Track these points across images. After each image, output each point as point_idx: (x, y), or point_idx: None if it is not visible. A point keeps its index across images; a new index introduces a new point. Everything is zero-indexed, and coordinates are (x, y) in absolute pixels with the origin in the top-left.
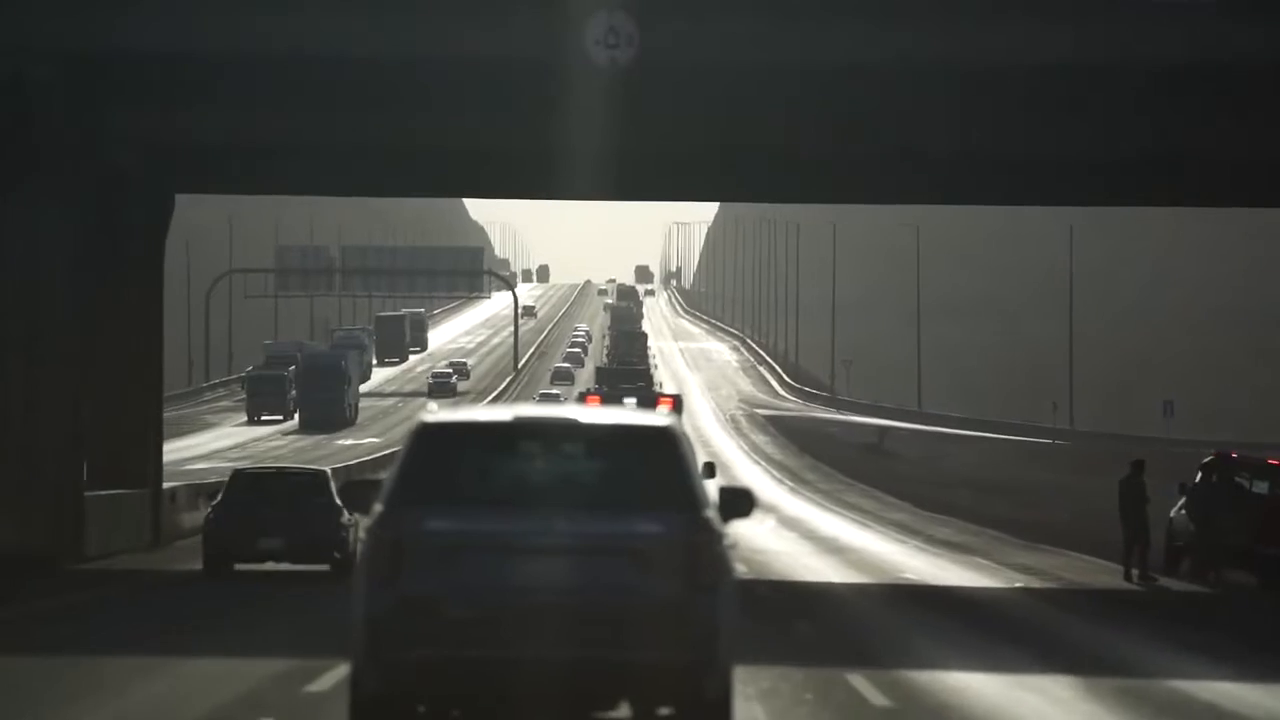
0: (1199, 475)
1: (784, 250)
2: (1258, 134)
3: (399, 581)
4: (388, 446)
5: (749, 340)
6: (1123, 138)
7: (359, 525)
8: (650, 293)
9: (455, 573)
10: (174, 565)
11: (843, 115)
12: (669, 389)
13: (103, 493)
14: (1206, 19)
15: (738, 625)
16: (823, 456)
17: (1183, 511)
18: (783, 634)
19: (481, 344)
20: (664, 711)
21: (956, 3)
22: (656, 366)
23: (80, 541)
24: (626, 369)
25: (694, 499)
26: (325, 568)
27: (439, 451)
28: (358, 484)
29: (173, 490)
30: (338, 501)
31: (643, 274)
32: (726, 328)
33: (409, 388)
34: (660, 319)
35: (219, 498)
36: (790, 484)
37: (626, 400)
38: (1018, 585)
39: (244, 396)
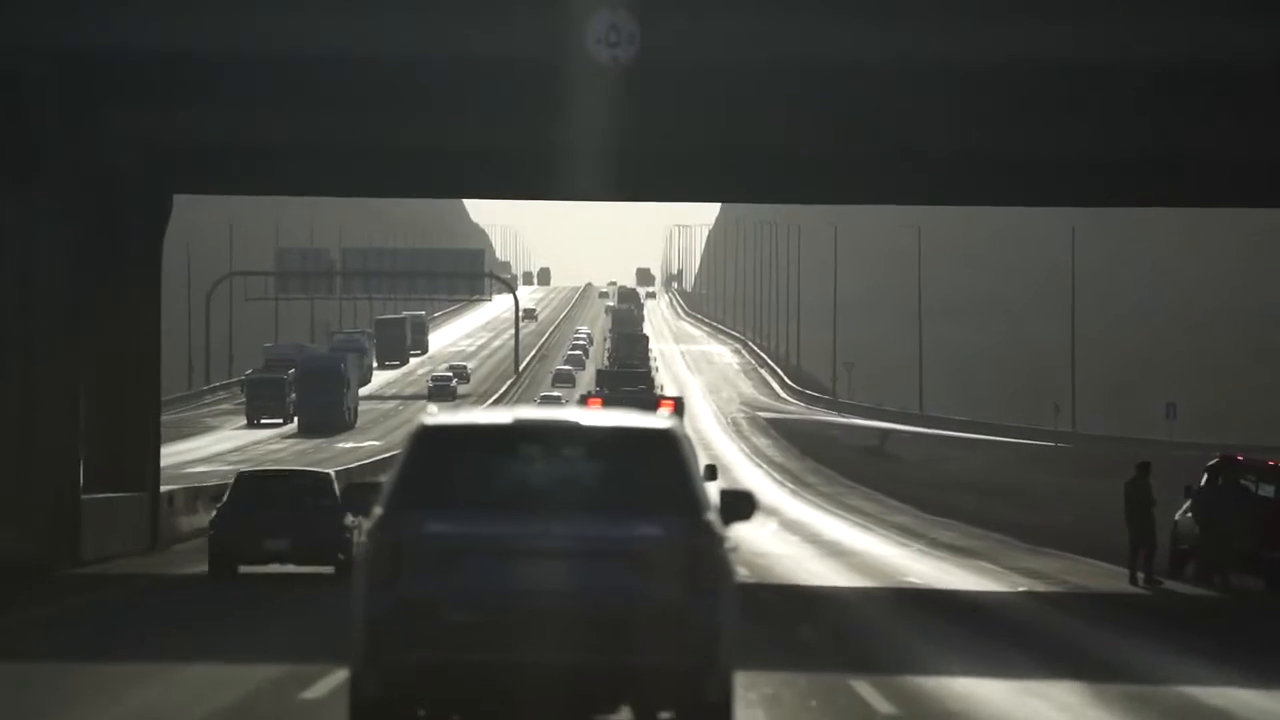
0: (1204, 478)
1: (785, 252)
2: (1258, 134)
3: (399, 584)
4: (388, 450)
5: (750, 343)
6: (1123, 138)
7: (362, 527)
8: (651, 295)
9: (455, 576)
10: (172, 569)
11: (843, 115)
12: (670, 391)
13: (100, 496)
14: (1206, 19)
15: (739, 629)
16: (824, 459)
17: (1188, 514)
18: (785, 639)
19: (482, 347)
20: (665, 715)
21: (956, 3)
22: (657, 369)
23: (77, 545)
24: (627, 371)
25: (695, 502)
26: (329, 569)
27: (439, 454)
28: (358, 487)
29: (171, 493)
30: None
31: (644, 276)
32: (728, 330)
33: (409, 391)
34: (661, 321)
35: (224, 500)
36: (792, 487)
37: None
38: (1022, 589)
39: (244, 400)
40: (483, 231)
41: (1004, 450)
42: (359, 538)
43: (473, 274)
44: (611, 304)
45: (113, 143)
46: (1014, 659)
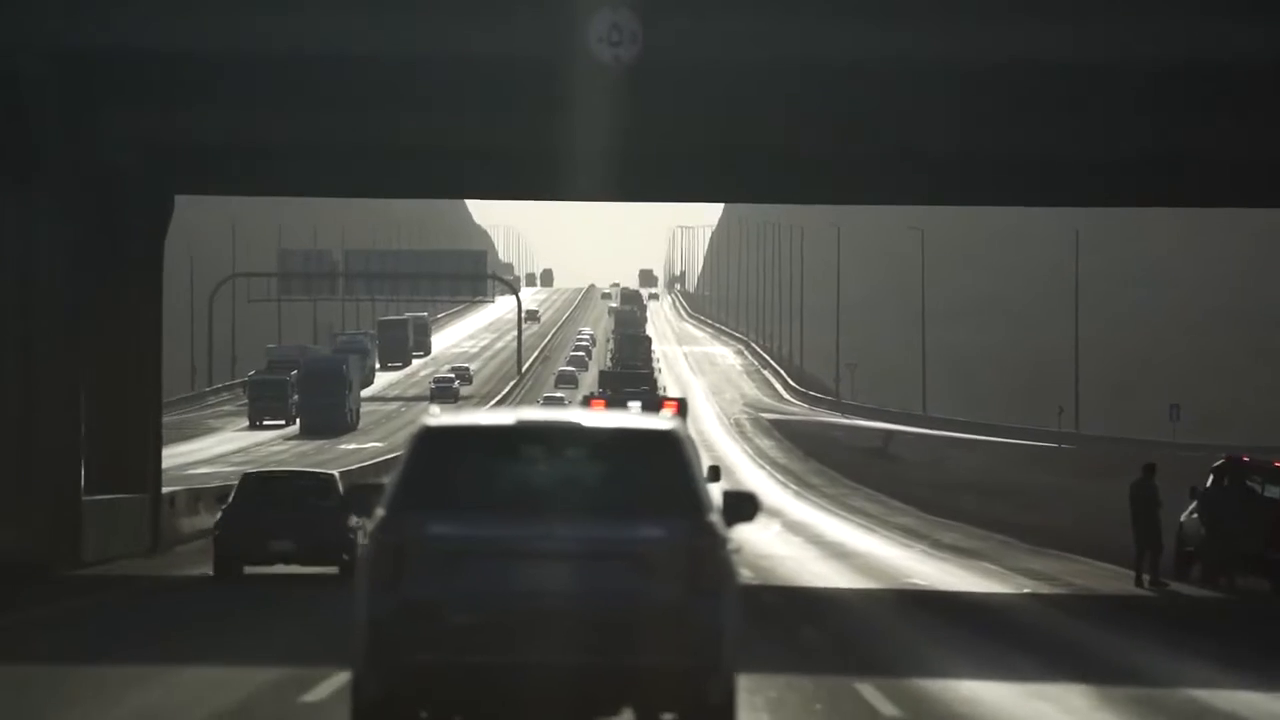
0: (1210, 479)
1: (788, 254)
2: (1258, 134)
3: (401, 586)
4: (391, 451)
5: (753, 344)
6: (1122, 137)
7: (366, 528)
8: (654, 296)
9: (457, 578)
10: (173, 570)
11: (844, 114)
12: (673, 393)
13: (101, 497)
14: (1207, 19)
15: (741, 630)
16: (827, 460)
17: (1194, 516)
18: (789, 641)
19: (485, 348)
20: (667, 717)
21: (957, 2)
22: (660, 370)
23: (77, 547)
24: (630, 373)
25: (697, 503)
26: (334, 570)
27: (441, 455)
28: (361, 488)
29: (172, 495)
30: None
31: (647, 278)
32: (731, 331)
33: (412, 392)
34: (664, 323)
35: (229, 501)
36: (795, 488)
37: (631, 404)
38: (1026, 591)
39: (246, 401)
40: (485, 233)
41: (1006, 451)
42: (363, 539)
43: (475, 275)
44: (614, 305)
45: (113, 143)
46: (1019, 661)
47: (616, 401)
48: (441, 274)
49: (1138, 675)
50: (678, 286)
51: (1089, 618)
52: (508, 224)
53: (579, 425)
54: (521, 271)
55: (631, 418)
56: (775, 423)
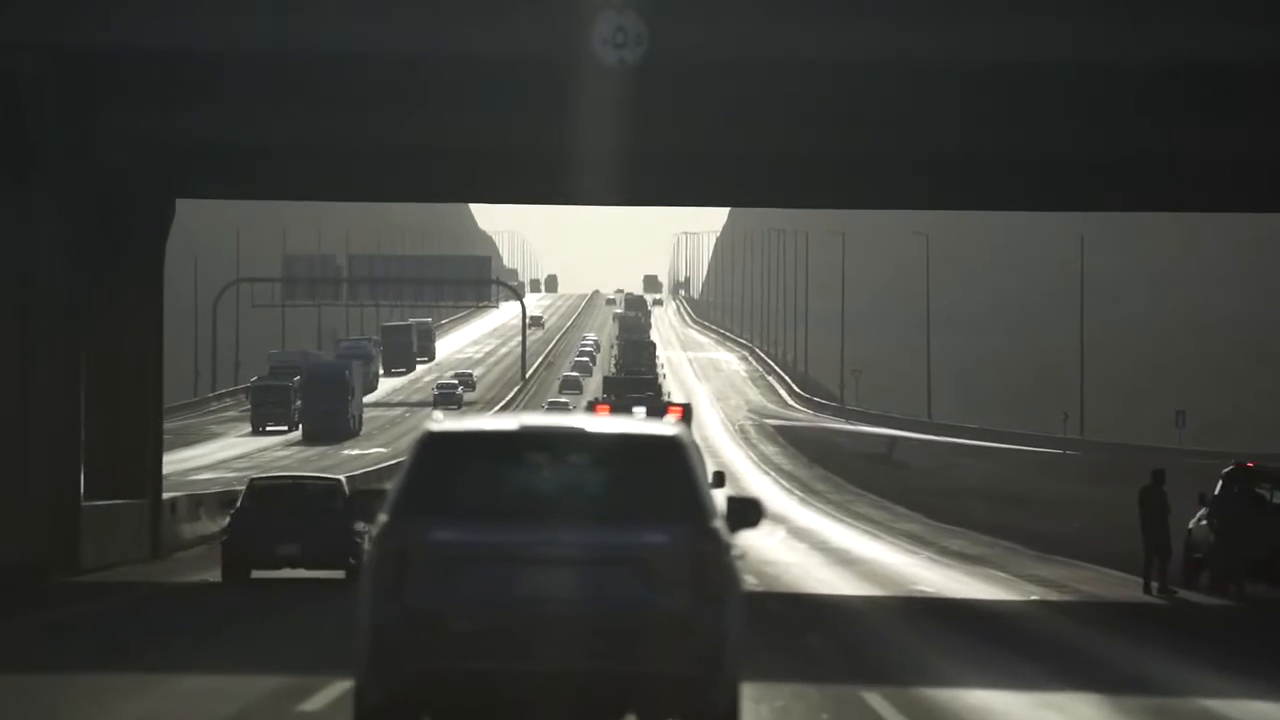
0: (1219, 486)
1: (792, 259)
2: (1259, 136)
3: (403, 592)
4: (395, 456)
5: (757, 350)
6: (1124, 140)
7: (370, 533)
8: (658, 302)
9: (460, 584)
10: (173, 577)
11: (846, 116)
12: (677, 398)
13: (100, 502)
14: (1209, 19)
15: (745, 636)
16: (832, 467)
17: (1202, 522)
18: (795, 649)
19: (489, 353)
20: None
21: (958, 2)
22: (664, 376)
23: (76, 553)
24: (634, 378)
25: (701, 509)
26: (340, 574)
27: (444, 461)
28: (365, 494)
29: (173, 500)
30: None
31: (651, 284)
32: (735, 337)
33: (416, 398)
34: (668, 329)
35: (237, 505)
36: (800, 494)
37: (635, 410)
38: (1034, 598)
39: (249, 407)
40: (490, 238)
41: (1012, 457)
42: (368, 544)
43: (480, 281)
44: (619, 311)
45: (112, 143)
46: (1029, 670)
47: (621, 407)
48: (446, 279)
49: (1148, 684)
50: (682, 292)
51: (1097, 625)
52: (512, 230)
53: (582, 431)
54: (526, 277)
55: (635, 423)
56: (780, 428)
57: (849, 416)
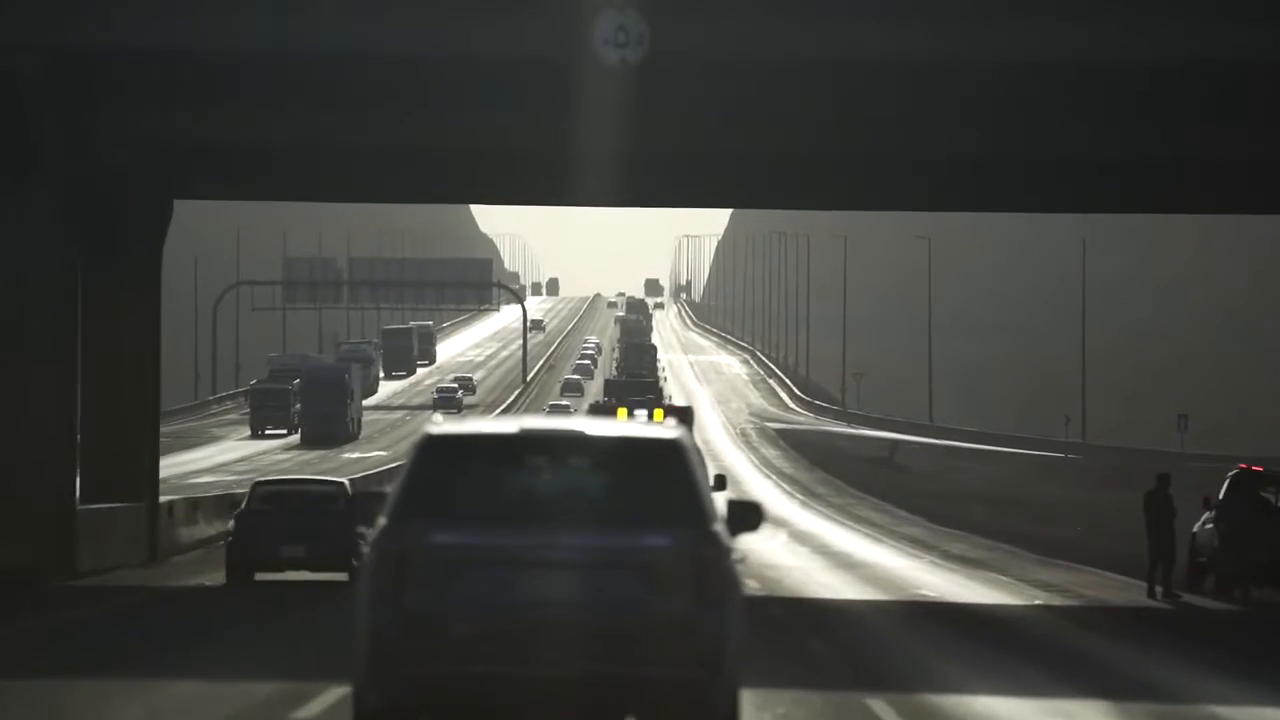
0: (1224, 490)
1: (794, 263)
2: (1259, 136)
3: (402, 596)
4: (395, 460)
5: (759, 353)
6: (1125, 140)
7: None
8: (660, 306)
9: (459, 587)
10: (170, 581)
11: (847, 116)
12: (678, 401)
13: (97, 506)
14: (1212, 20)
15: (746, 641)
16: (833, 470)
17: (1207, 526)
18: (797, 654)
19: (490, 357)
20: None
21: (959, 3)
22: (665, 379)
23: (72, 557)
24: (635, 381)
25: (701, 512)
26: (343, 577)
27: (444, 464)
28: (365, 496)
29: (170, 504)
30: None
31: (652, 287)
32: (736, 341)
33: (416, 401)
34: (670, 332)
35: (241, 507)
36: (801, 498)
37: (637, 413)
38: (1038, 602)
39: (248, 410)
40: (491, 241)
41: (1013, 461)
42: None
43: (481, 284)
44: (620, 314)
45: (111, 143)
46: (1035, 676)
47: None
48: (447, 282)
49: (1156, 690)
50: (683, 296)
51: (1102, 630)
52: (514, 233)
53: (582, 434)
54: (527, 280)
55: (636, 426)
56: (781, 432)
57: (850, 420)
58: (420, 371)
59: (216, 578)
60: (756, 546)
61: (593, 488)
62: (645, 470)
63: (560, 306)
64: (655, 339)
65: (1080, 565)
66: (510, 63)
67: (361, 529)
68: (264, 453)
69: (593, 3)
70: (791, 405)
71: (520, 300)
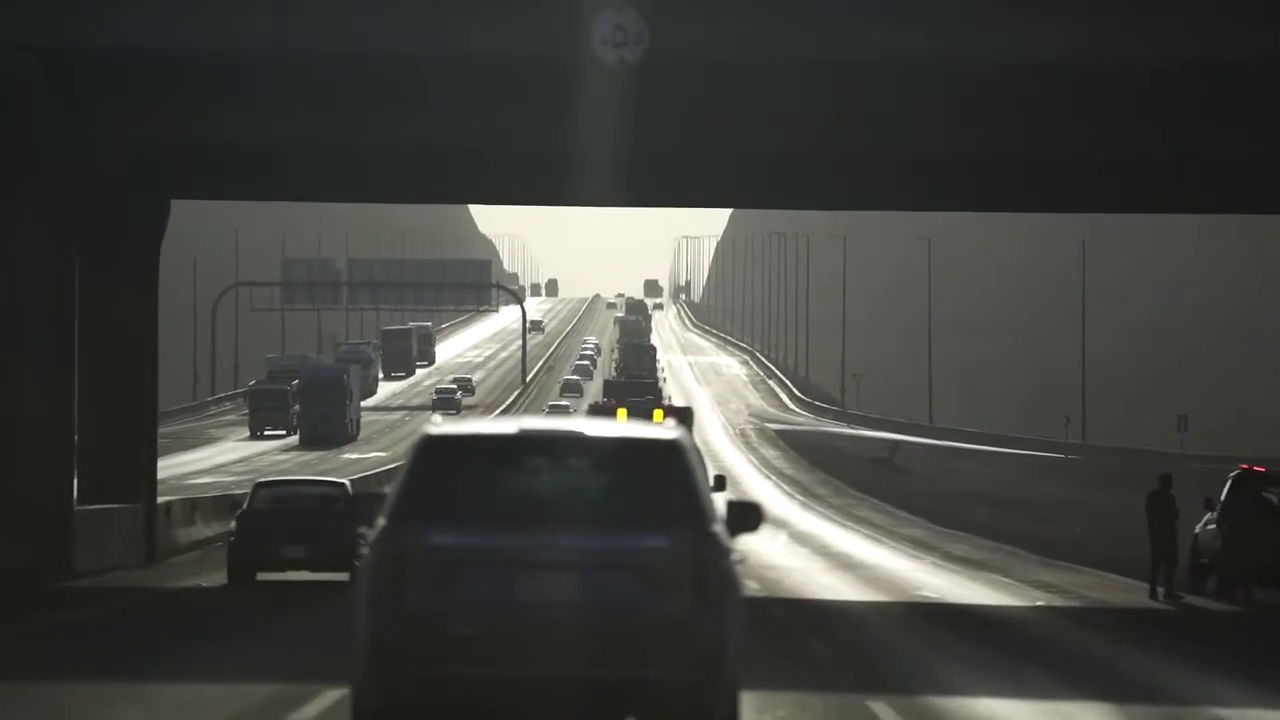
0: (1226, 490)
1: (793, 264)
2: (1259, 136)
3: (401, 597)
4: (394, 460)
5: (758, 354)
6: (1125, 140)
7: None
8: (659, 306)
9: (458, 588)
10: (167, 582)
11: (847, 116)
12: (678, 402)
13: (94, 506)
14: (1213, 20)
15: (746, 642)
16: (833, 471)
17: (1209, 527)
18: (798, 656)
19: (489, 357)
20: None
21: (959, 3)
22: (665, 380)
23: (69, 558)
24: (635, 382)
25: (701, 513)
26: (345, 577)
27: (443, 464)
28: (365, 497)
29: (168, 505)
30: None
31: (652, 288)
32: (736, 342)
33: (416, 402)
34: (669, 333)
35: (243, 508)
36: (801, 499)
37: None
38: (1040, 604)
39: (247, 411)
40: (490, 242)
41: (1014, 462)
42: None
43: (480, 285)
44: (619, 315)
45: (110, 143)
46: (1037, 677)
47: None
48: (446, 283)
49: (1159, 692)
50: (683, 297)
51: (1105, 632)
52: (513, 233)
53: (582, 435)
54: (526, 281)
55: (635, 427)
56: (781, 433)
57: (850, 421)
58: (419, 372)
59: (214, 578)
60: (756, 547)
61: (592, 488)
62: (645, 471)
63: (559, 307)
64: (654, 340)
65: (1082, 566)
66: (510, 63)
67: (362, 529)
68: (263, 454)
69: (591, 2)
70: (791, 406)
71: (519, 301)
